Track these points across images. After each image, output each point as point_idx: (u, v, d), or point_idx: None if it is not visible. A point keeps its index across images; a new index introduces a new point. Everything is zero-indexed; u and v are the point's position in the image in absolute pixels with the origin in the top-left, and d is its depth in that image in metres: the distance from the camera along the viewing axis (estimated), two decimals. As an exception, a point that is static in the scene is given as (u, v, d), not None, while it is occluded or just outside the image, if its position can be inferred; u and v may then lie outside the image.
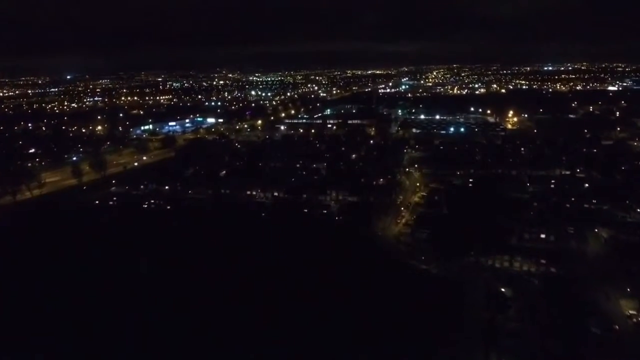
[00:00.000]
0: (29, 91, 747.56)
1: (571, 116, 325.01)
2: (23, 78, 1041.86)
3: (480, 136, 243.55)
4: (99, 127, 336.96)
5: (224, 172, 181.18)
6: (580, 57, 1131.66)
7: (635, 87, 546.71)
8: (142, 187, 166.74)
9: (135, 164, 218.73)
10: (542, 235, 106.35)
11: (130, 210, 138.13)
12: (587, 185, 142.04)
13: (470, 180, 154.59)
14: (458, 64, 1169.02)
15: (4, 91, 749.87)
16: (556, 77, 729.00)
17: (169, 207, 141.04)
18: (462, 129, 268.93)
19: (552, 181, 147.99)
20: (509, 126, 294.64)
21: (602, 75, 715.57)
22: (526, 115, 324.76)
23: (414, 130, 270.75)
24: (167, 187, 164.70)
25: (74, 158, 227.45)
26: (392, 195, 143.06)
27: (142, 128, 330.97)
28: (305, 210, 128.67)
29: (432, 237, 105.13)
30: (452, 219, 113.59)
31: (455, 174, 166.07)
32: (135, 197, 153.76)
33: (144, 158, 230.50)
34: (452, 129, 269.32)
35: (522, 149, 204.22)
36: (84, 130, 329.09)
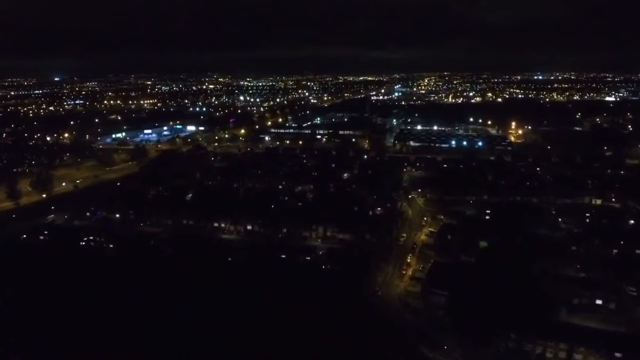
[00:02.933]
0: (10, 93, 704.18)
1: (578, 129, 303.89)
2: (9, 79, 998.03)
3: (486, 151, 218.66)
4: (67, 135, 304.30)
5: (191, 194, 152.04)
6: (568, 66, 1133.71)
7: (633, 98, 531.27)
8: (87, 214, 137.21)
9: (91, 181, 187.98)
10: (598, 302, 79.57)
11: (60, 250, 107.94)
12: (631, 221, 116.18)
13: (487, 211, 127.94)
14: (449, 72, 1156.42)
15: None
16: (549, 86, 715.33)
17: (111, 246, 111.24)
18: (464, 142, 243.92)
19: (586, 214, 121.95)
20: (514, 139, 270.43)
21: (594, 85, 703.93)
22: (530, 127, 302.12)
23: (411, 143, 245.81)
24: (118, 215, 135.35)
25: (22, 173, 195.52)
26: (393, 231, 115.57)
27: (113, 136, 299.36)
28: (284, 256, 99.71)
29: (452, 303, 77.52)
30: (475, 273, 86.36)
31: (466, 200, 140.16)
32: (74, 230, 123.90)
33: (104, 174, 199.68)
34: (453, 142, 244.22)
35: (538, 168, 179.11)
36: (48, 139, 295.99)
